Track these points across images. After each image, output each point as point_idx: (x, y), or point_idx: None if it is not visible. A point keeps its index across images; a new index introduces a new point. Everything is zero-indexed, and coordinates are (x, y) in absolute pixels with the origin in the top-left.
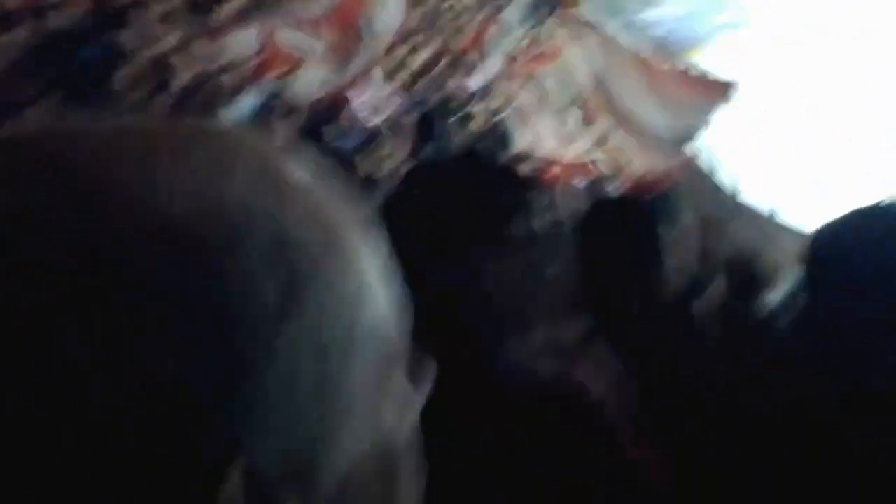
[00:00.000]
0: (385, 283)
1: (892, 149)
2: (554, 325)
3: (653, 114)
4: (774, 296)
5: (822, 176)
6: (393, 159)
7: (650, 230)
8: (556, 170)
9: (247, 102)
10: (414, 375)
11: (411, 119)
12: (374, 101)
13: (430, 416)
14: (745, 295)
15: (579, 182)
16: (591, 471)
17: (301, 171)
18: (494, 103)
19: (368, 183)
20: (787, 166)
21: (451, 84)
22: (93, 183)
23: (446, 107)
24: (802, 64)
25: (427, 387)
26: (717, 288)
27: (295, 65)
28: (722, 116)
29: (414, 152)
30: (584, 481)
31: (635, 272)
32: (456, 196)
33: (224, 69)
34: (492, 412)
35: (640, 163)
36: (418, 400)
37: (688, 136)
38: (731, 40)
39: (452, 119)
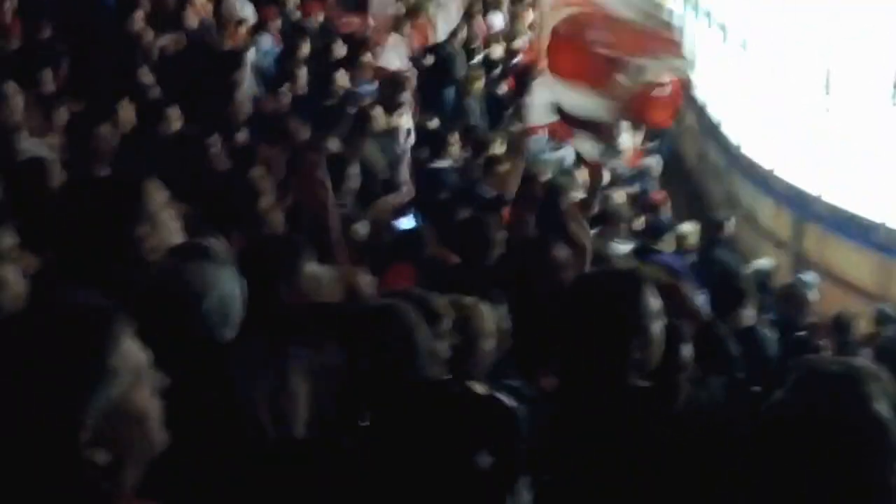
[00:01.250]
0: None
1: (892, 148)
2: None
3: None
4: (748, 313)
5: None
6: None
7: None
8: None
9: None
10: None
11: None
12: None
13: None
14: (724, 312)
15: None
16: None
17: None
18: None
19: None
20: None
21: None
22: None
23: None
24: (802, 64)
25: None
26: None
27: None
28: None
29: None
30: None
31: (623, 345)
32: None
33: None
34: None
35: None
36: None
37: None
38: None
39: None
